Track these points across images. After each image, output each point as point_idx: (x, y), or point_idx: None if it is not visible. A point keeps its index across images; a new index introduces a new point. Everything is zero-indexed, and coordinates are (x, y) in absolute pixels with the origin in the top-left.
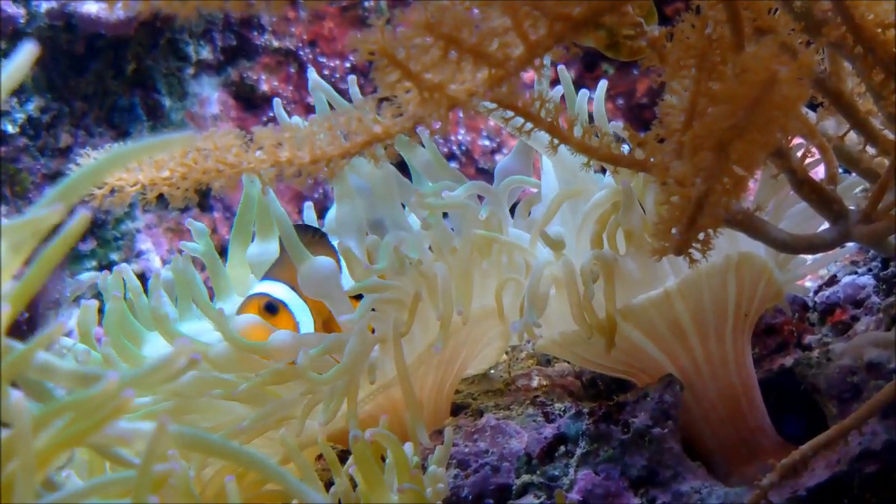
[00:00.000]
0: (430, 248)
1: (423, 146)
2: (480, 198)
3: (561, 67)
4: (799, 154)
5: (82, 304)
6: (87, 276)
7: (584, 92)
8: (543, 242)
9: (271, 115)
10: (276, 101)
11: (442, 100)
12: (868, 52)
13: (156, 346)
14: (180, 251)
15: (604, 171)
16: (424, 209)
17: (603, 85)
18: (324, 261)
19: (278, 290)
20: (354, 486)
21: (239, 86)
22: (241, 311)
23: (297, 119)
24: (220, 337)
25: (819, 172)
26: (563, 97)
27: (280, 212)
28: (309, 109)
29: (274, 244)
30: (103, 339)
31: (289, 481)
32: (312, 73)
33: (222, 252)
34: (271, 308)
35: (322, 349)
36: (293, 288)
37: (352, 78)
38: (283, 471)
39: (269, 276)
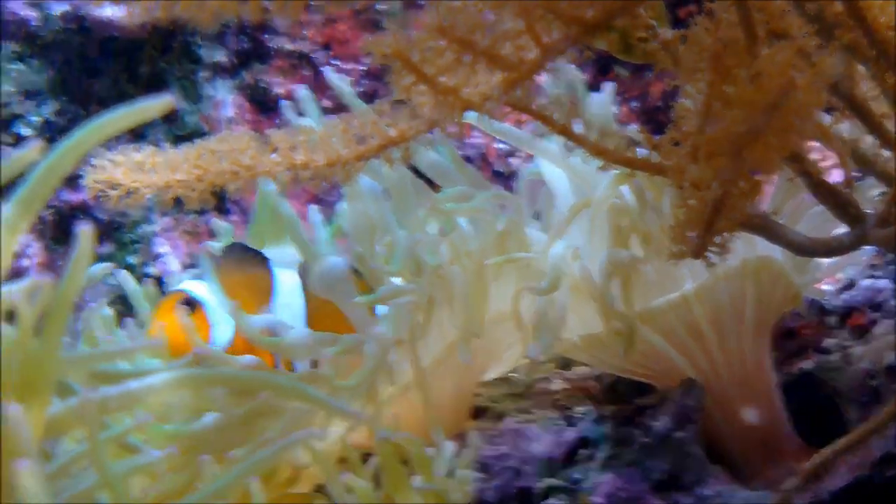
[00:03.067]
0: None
1: (437, 150)
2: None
3: (574, 69)
4: (814, 157)
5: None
6: (100, 268)
7: (594, 96)
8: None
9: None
10: (284, 105)
11: (456, 103)
12: (881, 54)
13: None
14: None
15: None
16: (440, 216)
17: (609, 87)
18: (336, 261)
19: (202, 290)
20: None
21: (253, 89)
22: (159, 307)
23: (306, 120)
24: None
25: (835, 175)
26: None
27: (289, 213)
28: (324, 112)
29: (287, 246)
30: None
31: (313, 395)
32: (329, 72)
33: None
34: (189, 305)
35: (341, 350)
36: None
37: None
38: (304, 385)
39: (204, 274)
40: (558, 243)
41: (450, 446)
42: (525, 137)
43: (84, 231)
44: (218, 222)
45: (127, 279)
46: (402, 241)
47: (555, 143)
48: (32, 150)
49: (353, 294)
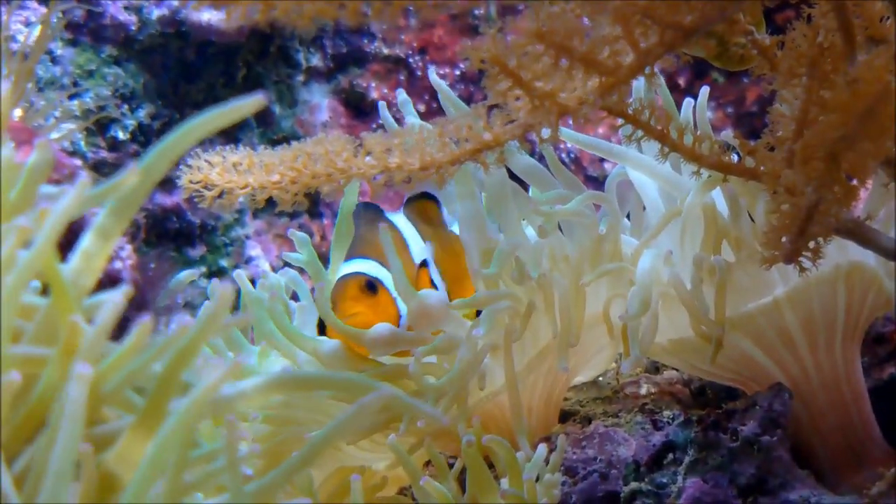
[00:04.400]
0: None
1: (531, 154)
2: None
3: (655, 72)
4: None
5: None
6: (185, 274)
7: (689, 101)
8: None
9: (381, 122)
10: (382, 105)
11: (552, 108)
12: None
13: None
14: (285, 263)
15: None
16: (540, 217)
17: (705, 92)
18: (431, 295)
19: (372, 268)
20: (463, 491)
21: (349, 93)
22: (338, 292)
23: (406, 122)
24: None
25: None
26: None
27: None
28: (419, 116)
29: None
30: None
31: (401, 398)
32: (431, 73)
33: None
34: (371, 287)
35: (430, 350)
36: (383, 264)
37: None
38: (392, 389)
39: (357, 254)
40: (647, 253)
41: (540, 450)
42: (611, 148)
43: (222, 290)
44: (295, 233)
45: (243, 279)
46: (502, 244)
47: (635, 150)
48: (129, 174)
49: (454, 317)
